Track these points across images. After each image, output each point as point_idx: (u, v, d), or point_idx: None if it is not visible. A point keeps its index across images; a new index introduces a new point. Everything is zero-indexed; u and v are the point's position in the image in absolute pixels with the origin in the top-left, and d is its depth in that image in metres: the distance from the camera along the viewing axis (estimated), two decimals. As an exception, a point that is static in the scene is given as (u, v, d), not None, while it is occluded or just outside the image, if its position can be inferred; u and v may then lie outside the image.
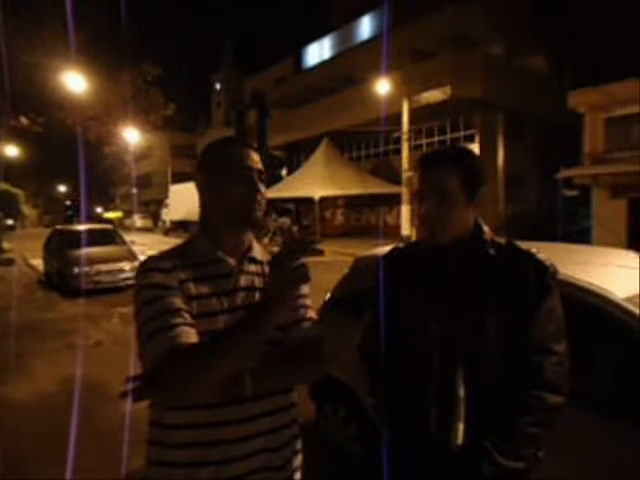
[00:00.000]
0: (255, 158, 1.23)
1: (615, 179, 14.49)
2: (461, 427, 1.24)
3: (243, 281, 1.21)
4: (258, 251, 1.29)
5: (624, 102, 14.22)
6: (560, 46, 19.35)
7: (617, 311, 1.87)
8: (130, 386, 1.07)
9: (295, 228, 22.60)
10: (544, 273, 1.27)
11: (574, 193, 16.79)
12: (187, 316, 1.08)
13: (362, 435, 2.78)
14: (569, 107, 15.56)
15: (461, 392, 1.25)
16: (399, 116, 17.68)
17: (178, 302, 1.09)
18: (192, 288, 1.13)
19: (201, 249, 1.21)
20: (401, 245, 1.55)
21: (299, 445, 1.28)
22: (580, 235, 14.97)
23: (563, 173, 15.73)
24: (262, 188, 1.22)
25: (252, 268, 1.25)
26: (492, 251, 1.30)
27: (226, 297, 1.17)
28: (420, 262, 1.38)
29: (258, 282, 1.24)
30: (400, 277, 1.40)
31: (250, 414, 1.13)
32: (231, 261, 1.21)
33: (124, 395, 1.07)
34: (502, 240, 1.35)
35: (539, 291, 1.25)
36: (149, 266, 1.15)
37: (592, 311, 1.92)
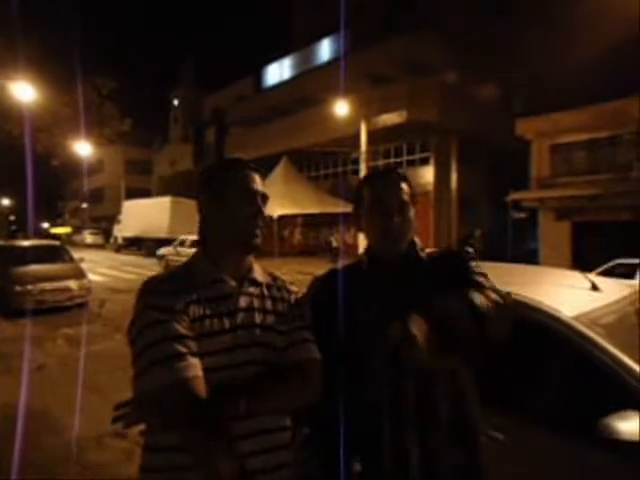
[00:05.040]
0: (259, 181, 1.25)
1: (559, 203, 15.32)
2: (415, 450, 1.24)
3: (243, 302, 1.22)
4: (259, 273, 1.31)
5: (567, 130, 15.17)
6: (511, 75, 20.44)
7: (566, 329, 1.93)
8: (121, 411, 1.09)
9: None
10: (464, 259, 1.36)
11: (523, 215, 17.58)
12: (191, 344, 1.08)
13: (321, 457, 2.72)
14: (517, 134, 16.41)
15: (411, 409, 1.25)
16: (357, 137, 18.05)
17: (182, 328, 1.08)
18: (195, 310, 1.14)
19: (202, 271, 1.22)
20: (346, 264, 1.56)
21: (289, 471, 1.24)
22: (528, 256, 15.62)
23: (512, 196, 16.50)
24: (265, 212, 1.25)
25: (252, 290, 1.26)
26: (424, 258, 1.40)
27: (227, 318, 1.18)
28: (366, 279, 1.41)
29: (257, 303, 1.25)
30: (351, 295, 1.40)
31: (235, 435, 1.09)
32: (232, 282, 1.23)
33: (116, 420, 1.08)
34: (433, 250, 1.48)
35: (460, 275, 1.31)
36: (153, 288, 1.14)
37: (541, 329, 1.98)
